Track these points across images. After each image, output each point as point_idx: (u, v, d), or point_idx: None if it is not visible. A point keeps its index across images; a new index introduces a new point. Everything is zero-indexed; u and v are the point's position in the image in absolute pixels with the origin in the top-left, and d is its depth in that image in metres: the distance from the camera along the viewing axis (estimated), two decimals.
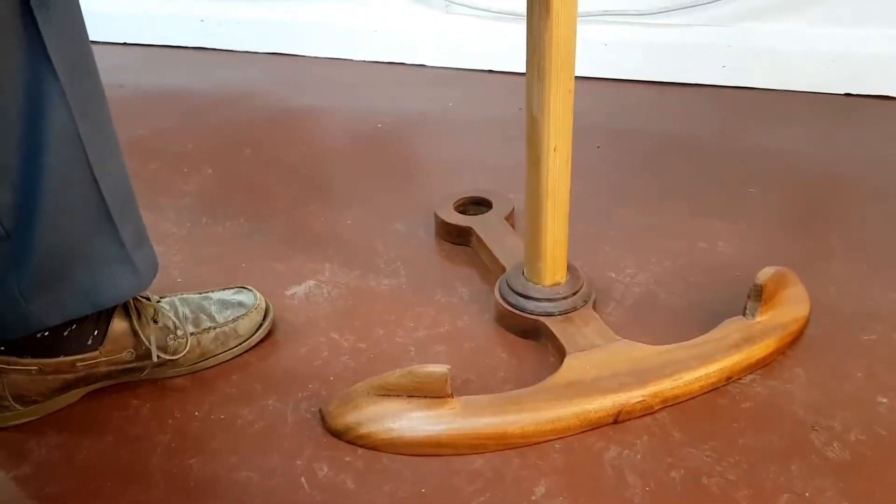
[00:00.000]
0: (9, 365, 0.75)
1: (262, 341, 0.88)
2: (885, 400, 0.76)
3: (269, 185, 1.24)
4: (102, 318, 0.79)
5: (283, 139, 1.40)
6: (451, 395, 0.73)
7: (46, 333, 0.76)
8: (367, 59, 1.71)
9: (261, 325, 0.87)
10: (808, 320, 0.86)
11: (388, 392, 0.74)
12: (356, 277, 0.99)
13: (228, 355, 0.85)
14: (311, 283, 0.98)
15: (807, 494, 0.67)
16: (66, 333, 0.76)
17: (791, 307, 0.85)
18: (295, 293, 0.96)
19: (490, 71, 1.63)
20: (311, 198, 1.19)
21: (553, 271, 0.85)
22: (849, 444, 0.71)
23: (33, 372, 0.76)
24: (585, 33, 1.50)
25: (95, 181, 0.72)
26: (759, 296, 0.82)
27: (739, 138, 1.30)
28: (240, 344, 0.86)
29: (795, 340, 0.84)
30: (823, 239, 1.02)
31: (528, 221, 0.84)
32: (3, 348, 0.75)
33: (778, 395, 0.77)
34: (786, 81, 1.44)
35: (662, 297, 0.92)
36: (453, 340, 0.87)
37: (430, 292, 0.95)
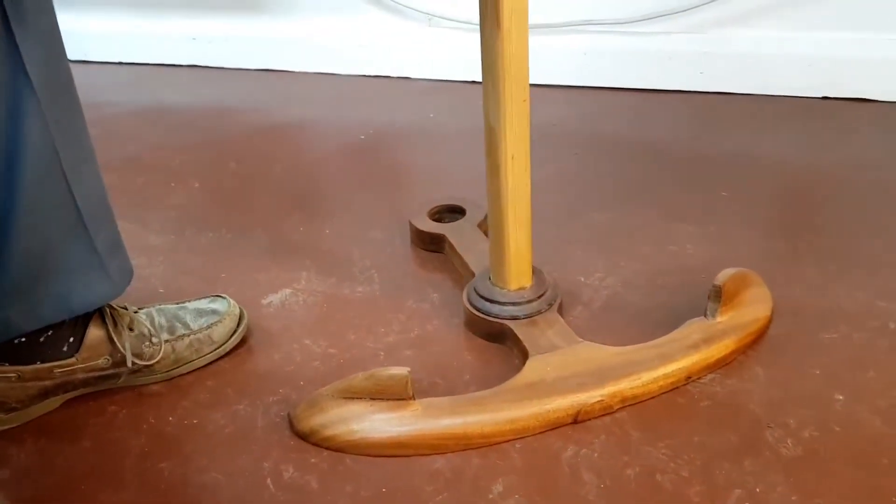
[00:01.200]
0: None
1: (237, 348, 0.90)
2: (841, 397, 0.77)
3: (252, 197, 1.26)
4: (79, 325, 0.81)
5: (268, 152, 1.43)
6: (413, 397, 0.75)
7: (23, 340, 0.78)
8: (353, 74, 1.75)
9: (235, 331, 0.89)
10: (769, 320, 0.87)
11: (352, 395, 0.76)
12: (331, 285, 1.01)
13: (203, 361, 0.88)
14: (288, 291, 1.00)
15: (758, 490, 0.68)
16: (42, 340, 0.79)
17: (752, 307, 0.86)
18: (271, 301, 0.99)
19: (473, 82, 1.65)
20: (293, 209, 1.21)
21: (518, 276, 0.87)
22: (802, 440, 0.73)
23: (12, 379, 0.79)
24: (565, 43, 1.54)
25: (70, 191, 0.75)
26: (718, 297, 0.83)
27: (716, 143, 1.32)
28: (214, 350, 0.88)
29: (757, 340, 0.85)
30: (793, 241, 1.03)
31: (491, 228, 0.86)
32: None
33: (736, 394, 0.79)
34: (763, 86, 1.45)
35: (629, 300, 0.94)
36: (422, 345, 0.89)
37: (403, 298, 0.97)
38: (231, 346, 0.89)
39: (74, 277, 0.78)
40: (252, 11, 1.79)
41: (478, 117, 1.47)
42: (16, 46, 0.68)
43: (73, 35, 1.84)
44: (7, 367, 0.78)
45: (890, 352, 0.83)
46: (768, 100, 1.46)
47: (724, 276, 0.83)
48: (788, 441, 0.73)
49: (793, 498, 0.67)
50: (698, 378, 0.81)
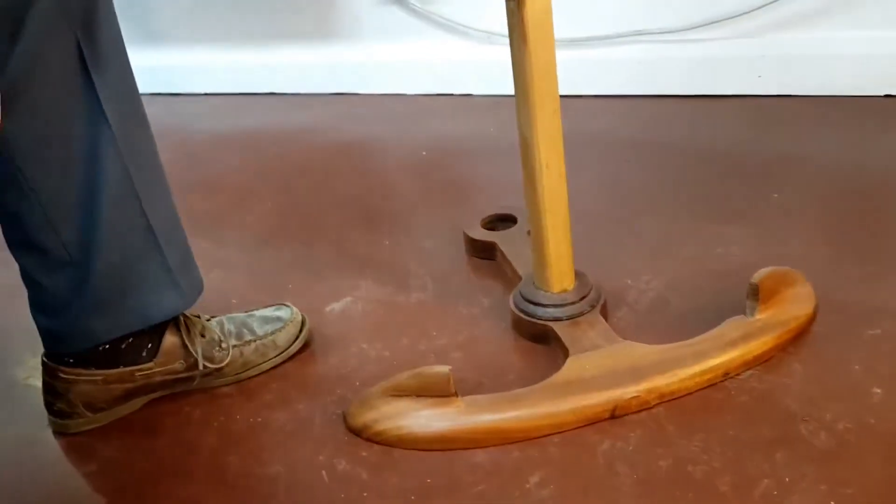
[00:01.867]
0: (78, 376, 0.87)
1: (300, 352, 0.97)
2: (879, 391, 0.78)
3: (319, 212, 1.34)
4: (156, 333, 0.89)
5: (336, 170, 1.51)
6: (456, 394, 0.80)
7: (107, 347, 0.87)
8: (418, 93, 1.82)
9: (297, 336, 0.96)
10: (811, 318, 0.88)
11: (399, 392, 0.81)
12: (388, 293, 1.07)
13: (269, 365, 0.95)
14: (348, 299, 1.07)
15: (786, 480, 0.70)
16: (123, 346, 0.88)
17: (792, 305, 0.87)
18: (333, 309, 1.05)
19: None
20: (356, 223, 1.28)
21: (559, 279, 0.91)
22: (836, 432, 0.74)
23: (98, 381, 0.88)
24: (620, 53, 1.57)
25: (145, 215, 0.84)
26: (755, 294, 0.85)
27: (772, 146, 1.32)
28: (279, 354, 0.95)
29: (798, 338, 0.86)
30: (842, 241, 1.03)
31: (532, 233, 0.90)
32: (72, 360, 0.87)
33: (773, 390, 0.80)
34: (823, 87, 1.44)
35: (673, 302, 0.96)
36: (471, 347, 0.94)
37: (454, 304, 1.02)
38: (294, 351, 0.96)
39: (150, 291, 0.86)
40: (322, 40, 1.89)
41: None
42: (92, 85, 0.77)
43: (160, 69, 1.98)
44: (94, 371, 0.87)
45: None
46: (828, 100, 1.44)
47: (760, 274, 0.85)
48: (822, 434, 0.74)
49: (821, 487, 0.68)
50: (736, 374, 0.82)
